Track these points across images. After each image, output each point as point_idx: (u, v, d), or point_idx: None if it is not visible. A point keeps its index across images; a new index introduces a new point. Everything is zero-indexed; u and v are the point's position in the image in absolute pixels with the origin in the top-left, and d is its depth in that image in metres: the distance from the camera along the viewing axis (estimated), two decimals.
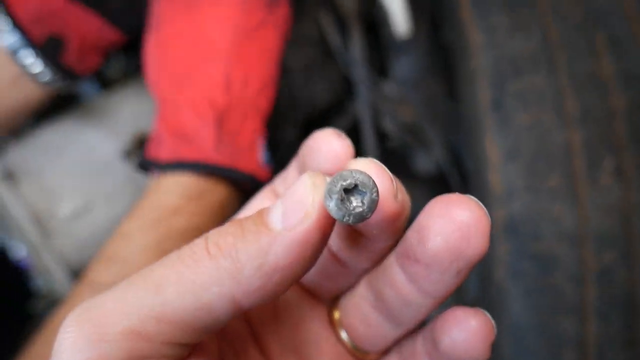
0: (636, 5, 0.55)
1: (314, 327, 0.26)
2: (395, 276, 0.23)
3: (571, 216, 0.50)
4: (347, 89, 0.78)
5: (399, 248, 0.23)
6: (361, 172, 0.20)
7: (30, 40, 0.58)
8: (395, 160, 0.76)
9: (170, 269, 0.20)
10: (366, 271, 0.25)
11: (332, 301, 0.27)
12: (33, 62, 0.59)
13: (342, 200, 0.19)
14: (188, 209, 0.51)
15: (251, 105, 0.54)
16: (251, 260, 0.19)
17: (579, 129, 0.52)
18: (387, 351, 0.26)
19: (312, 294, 0.27)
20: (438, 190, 0.73)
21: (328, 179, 0.20)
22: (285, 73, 0.72)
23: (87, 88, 0.81)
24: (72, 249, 0.63)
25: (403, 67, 0.74)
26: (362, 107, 0.74)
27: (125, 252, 0.49)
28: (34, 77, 0.60)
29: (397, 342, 0.25)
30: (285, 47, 0.61)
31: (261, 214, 0.21)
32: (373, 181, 0.20)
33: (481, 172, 0.55)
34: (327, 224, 0.20)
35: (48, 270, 0.62)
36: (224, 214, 0.54)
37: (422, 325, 0.25)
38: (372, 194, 0.20)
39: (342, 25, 0.77)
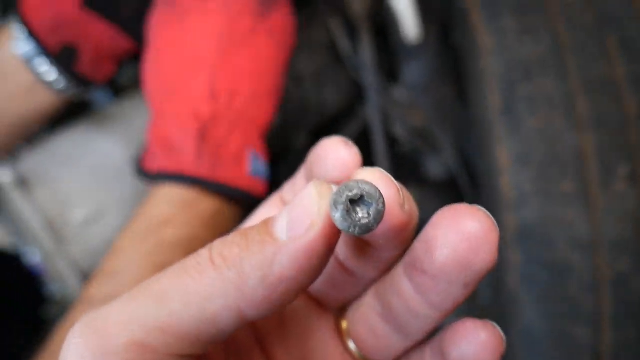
0: None
1: (322, 336, 0.26)
2: (403, 287, 0.23)
3: (584, 222, 0.50)
4: (357, 94, 0.78)
5: (407, 258, 0.23)
6: (367, 183, 0.20)
7: (45, 49, 0.59)
8: (406, 165, 0.76)
9: (174, 280, 0.20)
10: (374, 280, 0.25)
11: (339, 310, 0.27)
12: (47, 70, 0.60)
13: (347, 211, 0.19)
14: (178, 220, 0.50)
15: (240, 116, 0.53)
16: (256, 271, 0.19)
17: (591, 134, 0.51)
18: None
19: (319, 303, 0.27)
20: (449, 195, 0.73)
21: (334, 188, 0.20)
22: (295, 79, 0.72)
23: (100, 95, 0.82)
24: (84, 255, 0.64)
25: (413, 71, 0.74)
26: (372, 112, 0.74)
27: (120, 266, 0.49)
28: (48, 85, 0.61)
29: (405, 353, 0.25)
30: (295, 53, 0.61)
31: (266, 223, 0.20)
32: (379, 192, 0.20)
33: (491, 177, 0.54)
34: (333, 234, 0.20)
35: (61, 276, 0.63)
36: (217, 224, 0.53)
37: (430, 335, 0.24)
38: (378, 205, 0.19)
39: (352, 30, 0.77)
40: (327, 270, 0.25)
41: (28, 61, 0.59)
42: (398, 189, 0.21)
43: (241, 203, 0.54)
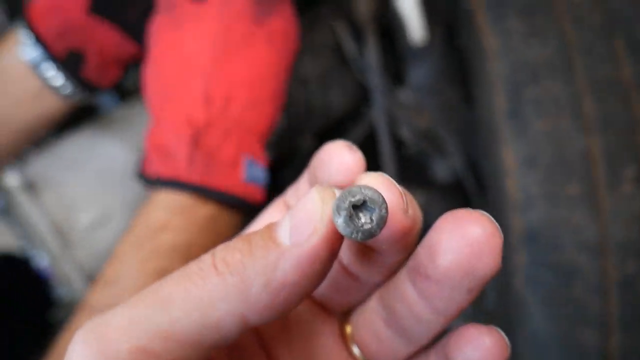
0: None
1: (326, 341, 0.26)
2: (406, 292, 0.22)
3: (591, 224, 0.49)
4: (362, 96, 0.78)
5: (410, 263, 0.22)
6: (370, 188, 0.20)
7: (51, 55, 0.59)
8: (412, 168, 0.76)
9: (177, 285, 0.20)
10: (378, 285, 0.25)
11: (343, 315, 0.27)
12: (54, 76, 0.60)
13: (350, 217, 0.19)
14: (174, 226, 0.50)
15: (235, 122, 0.52)
16: (259, 277, 0.19)
17: (598, 136, 0.51)
18: None
19: (323, 307, 0.27)
20: (455, 198, 0.73)
21: (337, 193, 0.20)
22: (300, 82, 0.72)
23: (106, 100, 0.82)
24: (90, 259, 0.64)
25: (418, 73, 0.74)
26: (377, 114, 0.74)
27: (119, 273, 0.48)
28: (55, 90, 0.61)
29: (410, 358, 0.25)
30: (300, 56, 0.61)
31: (269, 228, 0.20)
32: (382, 197, 0.20)
33: (498, 179, 0.54)
34: (336, 240, 0.20)
35: (68, 280, 0.63)
36: (214, 230, 0.53)
37: (435, 340, 0.24)
38: (381, 211, 0.19)
39: (357, 32, 0.77)
40: (331, 275, 0.25)
41: (35, 67, 0.60)
42: (401, 193, 0.21)
43: (238, 209, 0.54)
